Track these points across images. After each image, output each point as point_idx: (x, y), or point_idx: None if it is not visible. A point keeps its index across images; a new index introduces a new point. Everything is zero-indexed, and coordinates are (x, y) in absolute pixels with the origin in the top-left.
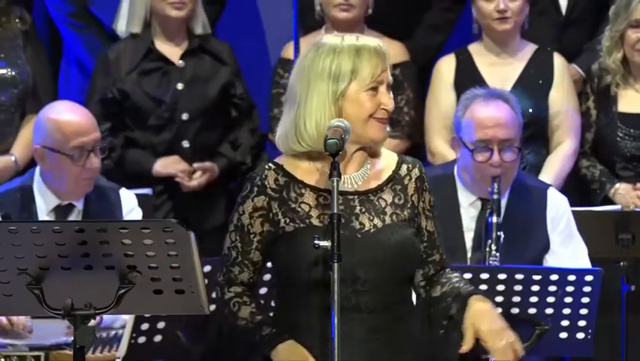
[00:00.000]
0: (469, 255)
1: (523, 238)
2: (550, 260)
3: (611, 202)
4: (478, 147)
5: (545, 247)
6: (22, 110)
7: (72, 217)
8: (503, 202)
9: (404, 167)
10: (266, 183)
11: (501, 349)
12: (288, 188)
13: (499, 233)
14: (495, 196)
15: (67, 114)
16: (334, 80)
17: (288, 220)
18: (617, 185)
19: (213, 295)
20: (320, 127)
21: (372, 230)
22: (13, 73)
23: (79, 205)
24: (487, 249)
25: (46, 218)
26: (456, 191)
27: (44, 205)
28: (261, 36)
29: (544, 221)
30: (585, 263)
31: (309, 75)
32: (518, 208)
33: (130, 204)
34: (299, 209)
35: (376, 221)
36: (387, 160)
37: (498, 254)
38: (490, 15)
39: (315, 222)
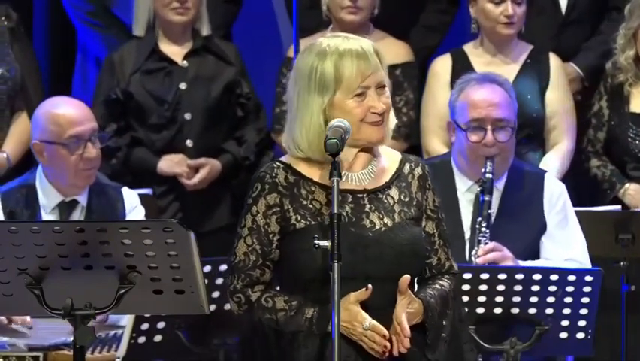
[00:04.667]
0: (467, 237)
1: (519, 219)
2: (546, 242)
3: (621, 202)
4: (472, 127)
5: (542, 229)
6: (11, 108)
7: (76, 213)
8: (500, 185)
9: (407, 165)
10: (277, 181)
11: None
12: (298, 185)
13: (489, 211)
14: (488, 175)
15: (61, 107)
16: (319, 91)
17: (299, 217)
18: (627, 185)
19: (214, 295)
20: (310, 137)
21: (382, 228)
22: (2, 70)
23: (82, 201)
24: (477, 226)
25: (50, 215)
26: (453, 176)
27: (47, 202)
28: (277, 36)
29: (541, 203)
30: (581, 250)
31: (299, 82)
32: (515, 192)
33: (132, 202)
34: (310, 206)
35: (386, 220)
36: (391, 158)
37: (488, 231)
38: (497, 19)
39: (328, 220)
